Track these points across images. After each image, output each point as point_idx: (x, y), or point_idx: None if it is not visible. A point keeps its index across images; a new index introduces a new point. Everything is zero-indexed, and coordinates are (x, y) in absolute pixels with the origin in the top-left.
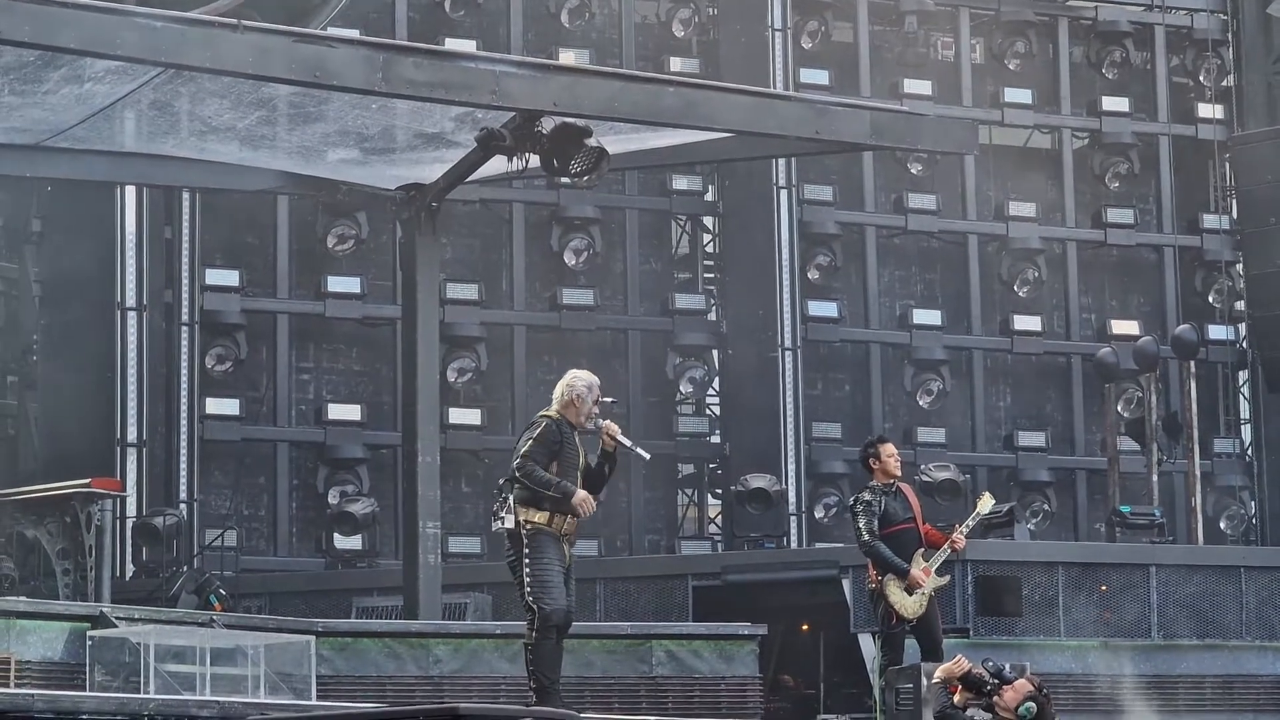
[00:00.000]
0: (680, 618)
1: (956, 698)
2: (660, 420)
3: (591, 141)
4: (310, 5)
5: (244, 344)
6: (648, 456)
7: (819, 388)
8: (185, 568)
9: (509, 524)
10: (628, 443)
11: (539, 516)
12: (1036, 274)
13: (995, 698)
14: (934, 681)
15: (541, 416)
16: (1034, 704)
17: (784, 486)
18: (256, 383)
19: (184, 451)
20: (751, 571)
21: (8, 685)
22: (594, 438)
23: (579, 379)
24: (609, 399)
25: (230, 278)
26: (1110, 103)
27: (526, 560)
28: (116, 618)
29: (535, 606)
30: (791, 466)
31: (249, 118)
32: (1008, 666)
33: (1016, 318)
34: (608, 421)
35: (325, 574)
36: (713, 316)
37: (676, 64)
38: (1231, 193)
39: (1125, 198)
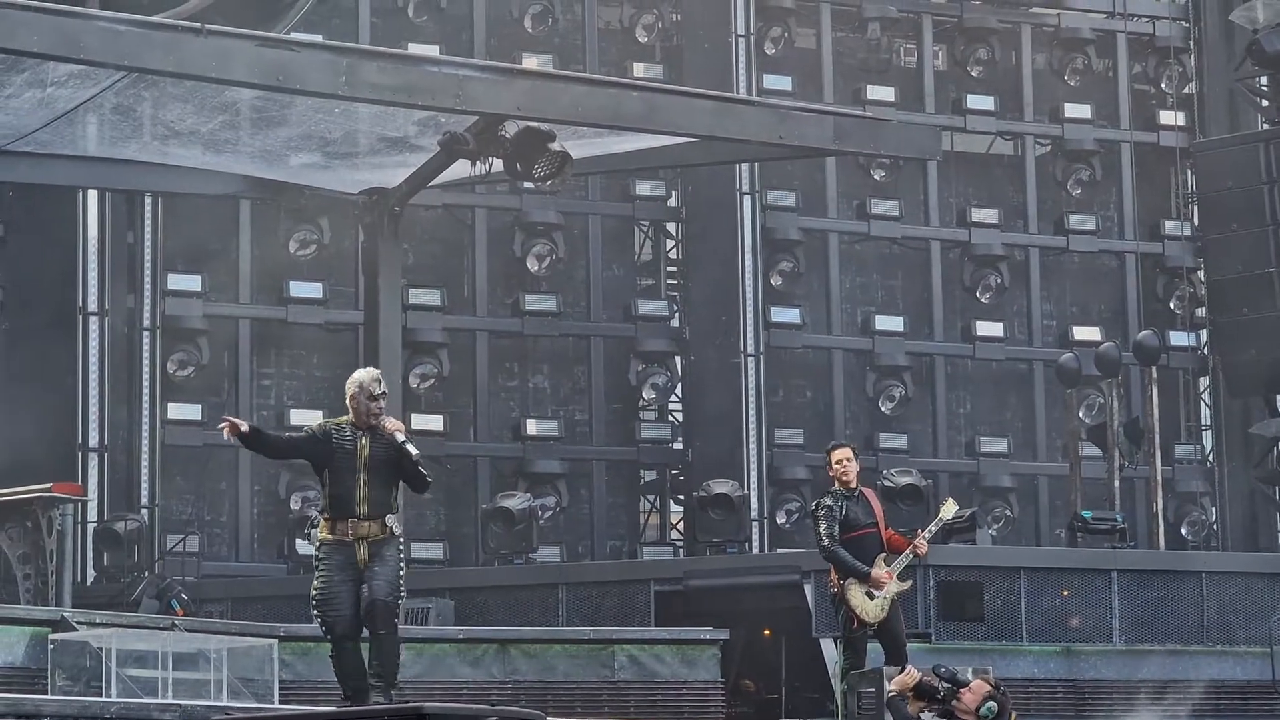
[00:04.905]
0: (642, 622)
1: (911, 708)
2: (623, 426)
3: (555, 146)
4: (274, 9)
5: (206, 349)
6: (415, 454)
7: (781, 394)
8: (146, 573)
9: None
10: (401, 439)
11: (322, 530)
12: (999, 280)
13: (954, 702)
14: (890, 694)
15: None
16: (994, 703)
17: (746, 492)
18: (218, 388)
19: (145, 456)
20: (713, 577)
21: None
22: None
23: (349, 381)
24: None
25: (192, 283)
26: (1072, 109)
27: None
28: (78, 622)
29: (318, 621)
30: (753, 472)
31: (212, 122)
32: (963, 670)
33: (978, 324)
34: (385, 420)
35: (287, 579)
36: (675, 322)
37: (640, 69)
38: (1193, 199)
39: (1087, 204)
